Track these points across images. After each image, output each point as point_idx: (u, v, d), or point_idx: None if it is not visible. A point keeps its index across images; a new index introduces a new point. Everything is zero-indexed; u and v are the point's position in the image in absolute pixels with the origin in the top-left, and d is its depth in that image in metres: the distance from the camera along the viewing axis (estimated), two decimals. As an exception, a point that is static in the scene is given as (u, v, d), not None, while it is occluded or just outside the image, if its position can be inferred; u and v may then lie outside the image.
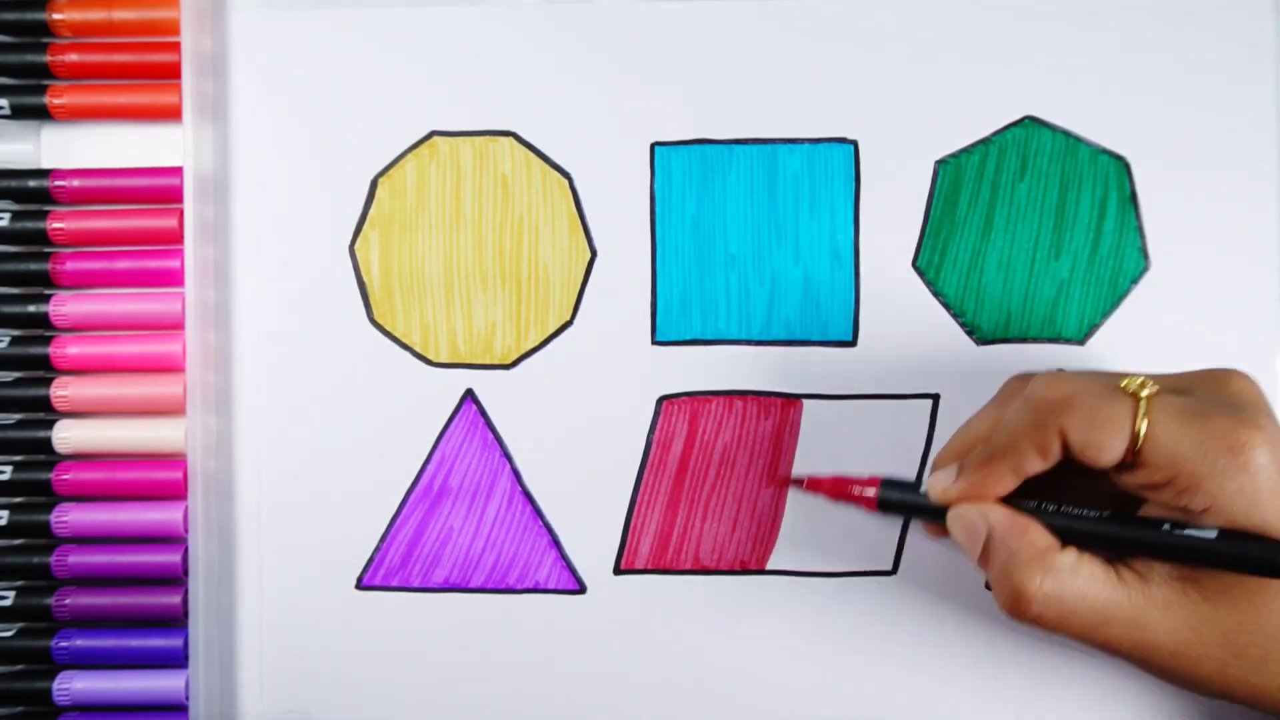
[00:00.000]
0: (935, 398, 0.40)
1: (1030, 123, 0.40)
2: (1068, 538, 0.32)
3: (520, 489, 0.41)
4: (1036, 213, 0.40)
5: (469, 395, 0.41)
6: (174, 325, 0.40)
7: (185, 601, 0.40)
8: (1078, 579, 0.31)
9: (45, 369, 0.41)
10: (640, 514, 0.40)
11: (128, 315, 0.41)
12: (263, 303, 0.41)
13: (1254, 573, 0.30)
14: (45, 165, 0.42)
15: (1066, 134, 0.40)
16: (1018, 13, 0.40)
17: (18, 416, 0.41)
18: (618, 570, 0.41)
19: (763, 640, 0.40)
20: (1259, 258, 0.39)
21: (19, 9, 0.40)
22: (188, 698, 0.40)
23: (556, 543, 0.41)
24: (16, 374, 0.41)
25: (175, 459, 0.40)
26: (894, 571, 0.40)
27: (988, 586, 0.40)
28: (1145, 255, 0.40)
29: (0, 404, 0.40)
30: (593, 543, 0.41)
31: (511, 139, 0.41)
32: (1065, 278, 0.40)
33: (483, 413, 0.41)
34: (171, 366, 0.40)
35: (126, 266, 0.41)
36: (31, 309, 0.40)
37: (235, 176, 0.41)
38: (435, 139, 0.41)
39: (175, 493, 0.40)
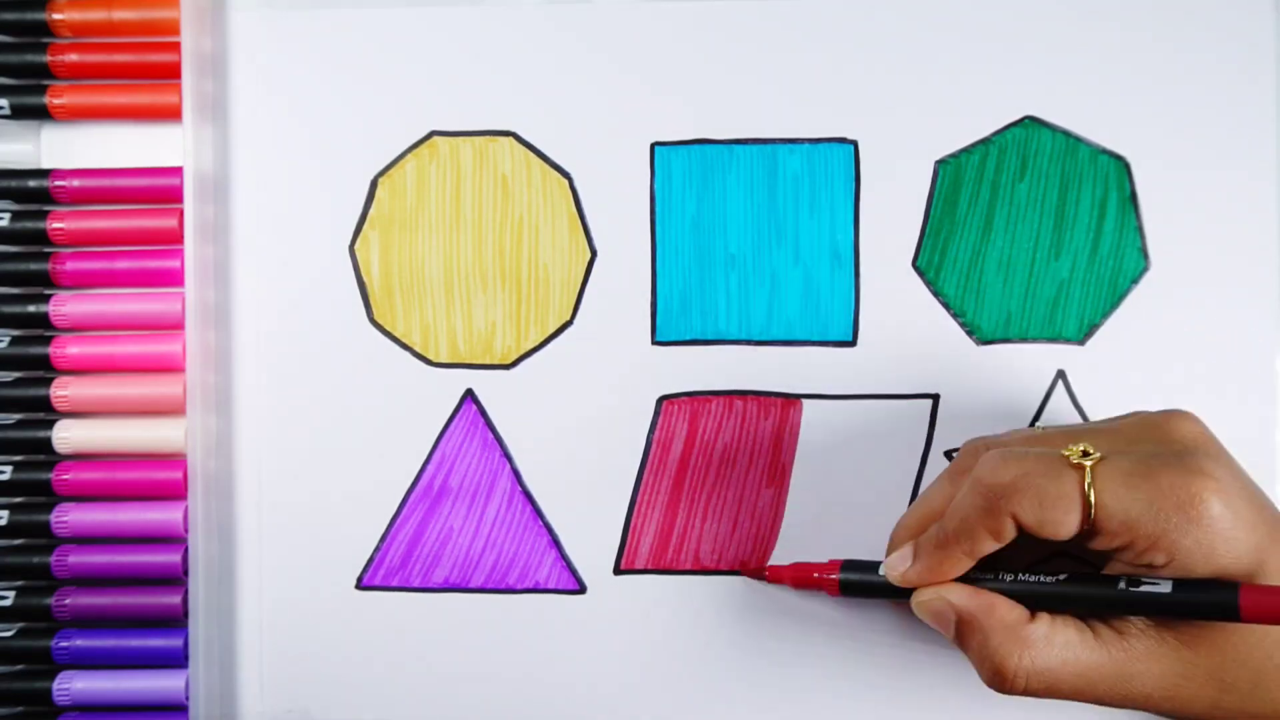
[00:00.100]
0: (935, 398, 0.40)
1: (1030, 123, 0.40)
2: (1035, 603, 0.32)
3: (520, 489, 0.41)
4: (1036, 213, 0.40)
5: (469, 395, 0.41)
6: (174, 325, 0.40)
7: (185, 601, 0.40)
8: (1054, 647, 0.31)
9: (45, 369, 0.41)
10: (640, 514, 0.40)
11: (128, 315, 0.41)
12: (263, 303, 0.41)
13: (1211, 618, 0.30)
14: (45, 165, 0.42)
15: (1066, 134, 0.40)
16: (1018, 13, 0.40)
17: (18, 416, 0.41)
18: (618, 570, 0.41)
19: (762, 640, 0.40)
20: (1259, 258, 0.39)
21: (19, 9, 0.40)
22: (188, 698, 0.40)
23: (556, 543, 0.41)
24: (16, 374, 0.41)
25: (175, 459, 0.40)
26: (894, 571, 0.40)
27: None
28: (1145, 255, 0.40)
29: (0, 404, 0.40)
30: (593, 543, 0.41)
31: (511, 139, 0.41)
32: (1065, 278, 0.40)
33: (483, 413, 0.41)
34: (171, 366, 0.40)
35: (126, 266, 0.41)
36: (31, 309, 0.40)
37: (235, 176, 0.41)
38: (435, 139, 0.41)
39: (175, 493, 0.40)
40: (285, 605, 0.41)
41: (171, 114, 0.40)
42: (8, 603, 0.40)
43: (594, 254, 0.41)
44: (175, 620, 0.40)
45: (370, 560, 0.41)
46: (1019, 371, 0.40)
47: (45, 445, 0.40)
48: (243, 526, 0.41)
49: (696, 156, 0.41)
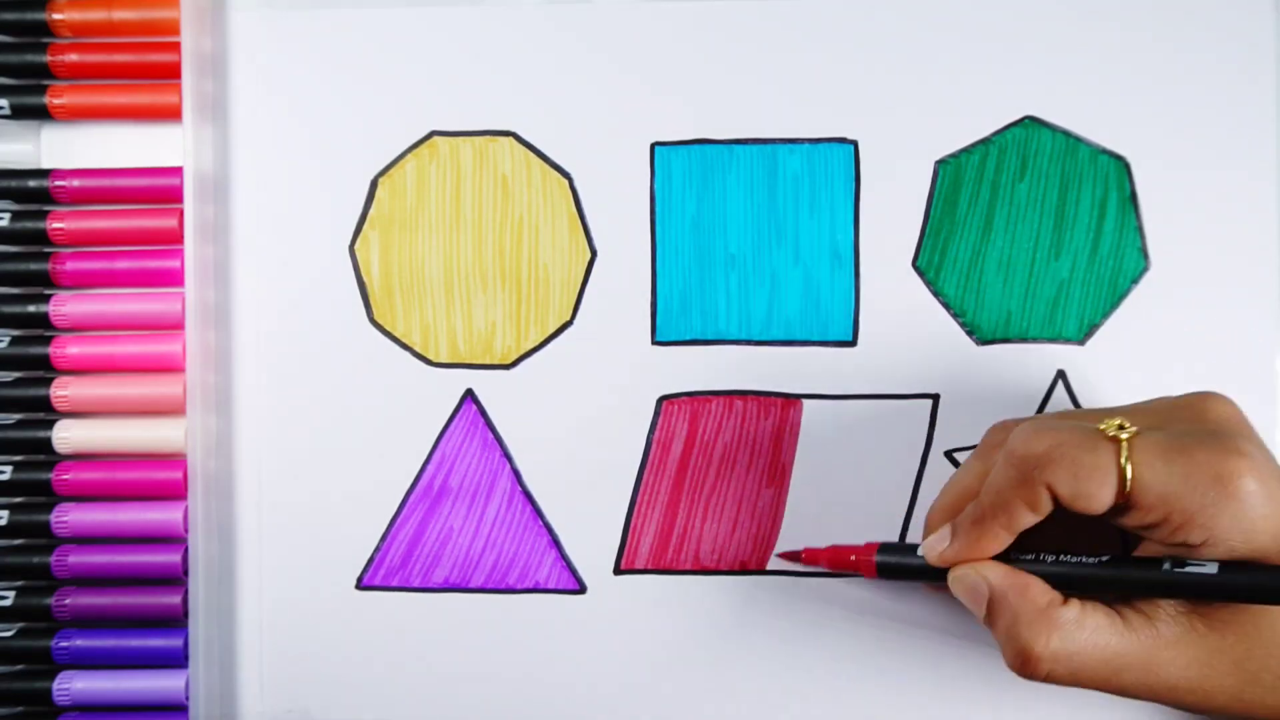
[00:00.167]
0: (935, 398, 0.40)
1: (1030, 123, 0.40)
2: (1070, 587, 0.32)
3: (520, 489, 0.41)
4: (1036, 213, 0.40)
5: (469, 395, 0.41)
6: (174, 325, 0.40)
7: (185, 601, 0.40)
8: (1084, 632, 0.31)
9: (45, 369, 0.41)
10: (640, 514, 0.40)
11: (128, 315, 0.41)
12: (263, 303, 0.41)
13: (1258, 601, 0.30)
14: (45, 165, 0.42)
15: (1066, 134, 0.40)
16: (1018, 13, 0.40)
17: (18, 416, 0.41)
18: (618, 570, 0.41)
19: (763, 640, 0.40)
20: (1259, 258, 0.39)
21: (19, 9, 0.40)
22: (188, 698, 0.40)
23: (556, 543, 0.41)
24: (16, 374, 0.41)
25: (175, 459, 0.40)
26: (894, 571, 0.40)
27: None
28: (1145, 255, 0.40)
29: (0, 404, 0.40)
30: (593, 543, 0.41)
31: (511, 139, 0.41)
32: (1065, 278, 0.40)
33: (483, 413, 0.41)
34: (171, 366, 0.40)
35: (126, 266, 0.41)
36: (31, 309, 0.40)
37: (235, 176, 0.41)
38: (435, 139, 0.41)
39: (175, 493, 0.40)
40: (285, 605, 0.41)
41: (171, 114, 0.40)
42: (8, 603, 0.40)
43: (594, 254, 0.41)
44: (175, 620, 0.40)
45: (370, 560, 0.41)
46: (1019, 371, 0.40)
47: (45, 445, 0.40)
48: (243, 526, 0.41)
49: (696, 156, 0.41)
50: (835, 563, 0.38)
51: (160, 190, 0.41)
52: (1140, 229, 0.40)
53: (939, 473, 0.39)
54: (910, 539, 0.40)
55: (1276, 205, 0.39)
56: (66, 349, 0.40)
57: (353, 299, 0.41)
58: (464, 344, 0.41)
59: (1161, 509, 0.30)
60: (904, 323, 0.40)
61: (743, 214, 0.41)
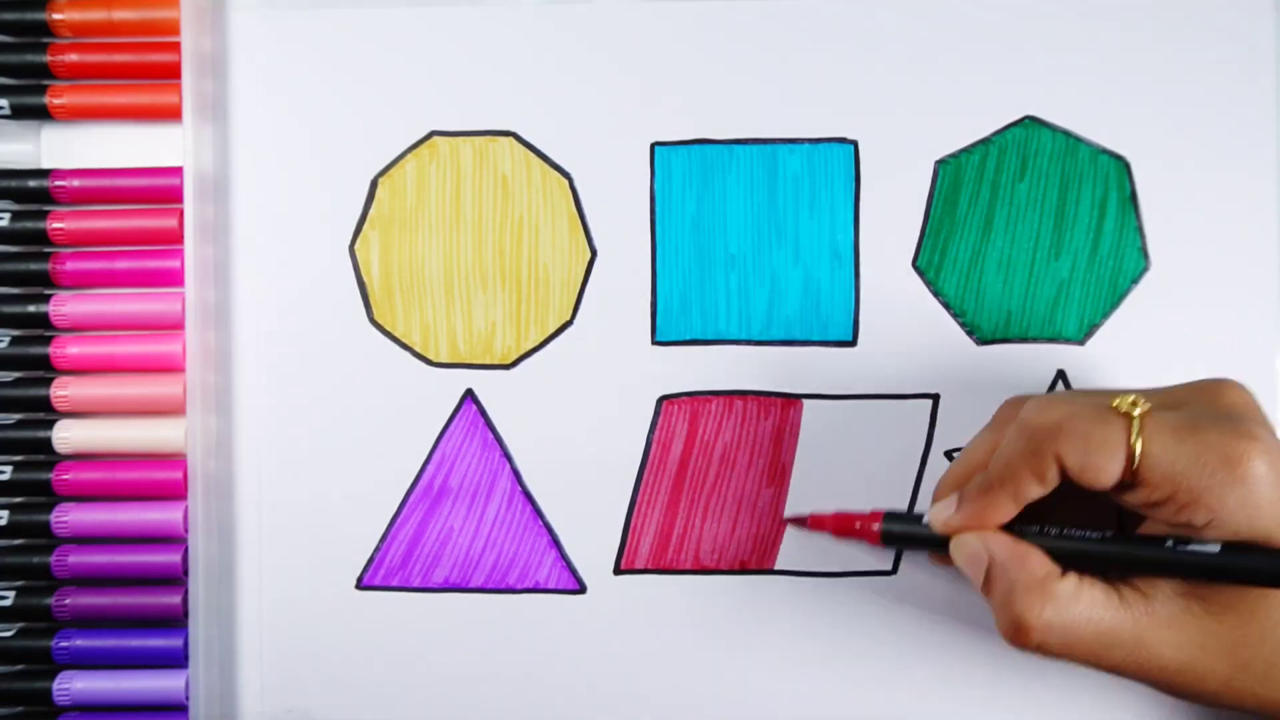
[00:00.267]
0: (935, 398, 0.40)
1: (1030, 123, 0.40)
2: (1071, 561, 0.32)
3: (520, 489, 0.41)
4: (1036, 213, 0.40)
5: (469, 395, 0.41)
6: (174, 325, 0.40)
7: (185, 601, 0.40)
8: (1079, 605, 0.31)
9: (45, 369, 0.41)
10: (640, 514, 0.40)
11: (128, 315, 0.41)
12: (263, 303, 0.41)
13: (1260, 584, 0.30)
14: (45, 165, 0.42)
15: (1066, 134, 0.40)
16: (1018, 13, 0.40)
17: (18, 416, 0.41)
18: (618, 570, 0.41)
19: (763, 640, 0.40)
20: (1259, 258, 0.39)
21: (19, 9, 0.40)
22: (188, 698, 0.40)
23: (556, 543, 0.41)
24: (16, 374, 0.41)
25: (175, 459, 0.40)
26: (894, 571, 0.40)
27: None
28: (1145, 255, 0.40)
29: (0, 404, 0.40)
30: (593, 543, 0.41)
31: (511, 139, 0.41)
32: (1065, 278, 0.40)
33: (483, 413, 0.41)
34: (171, 366, 0.40)
35: (126, 266, 0.41)
36: (31, 309, 0.40)
37: (235, 176, 0.41)
38: (435, 139, 0.41)
39: (175, 493, 0.40)
40: (285, 605, 0.41)
41: (171, 114, 0.40)
42: (8, 603, 0.40)
43: (594, 254, 0.41)
44: (175, 620, 0.40)
45: (370, 560, 0.41)
46: (1019, 371, 0.40)
47: (45, 445, 0.40)
48: (243, 526, 0.41)
49: (696, 156, 0.41)
50: (841, 529, 0.38)
51: (160, 190, 0.41)
52: (1140, 229, 0.40)
53: (939, 473, 0.39)
54: (910, 539, 0.40)
55: (1276, 205, 0.39)
56: (66, 349, 0.40)
57: (353, 299, 0.41)
58: (464, 344, 0.41)
59: (1168, 486, 0.30)
60: (904, 323, 0.40)
61: (743, 214, 0.41)
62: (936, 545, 0.35)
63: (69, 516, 0.40)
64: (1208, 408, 0.32)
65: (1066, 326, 0.40)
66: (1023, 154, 0.40)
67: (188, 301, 0.40)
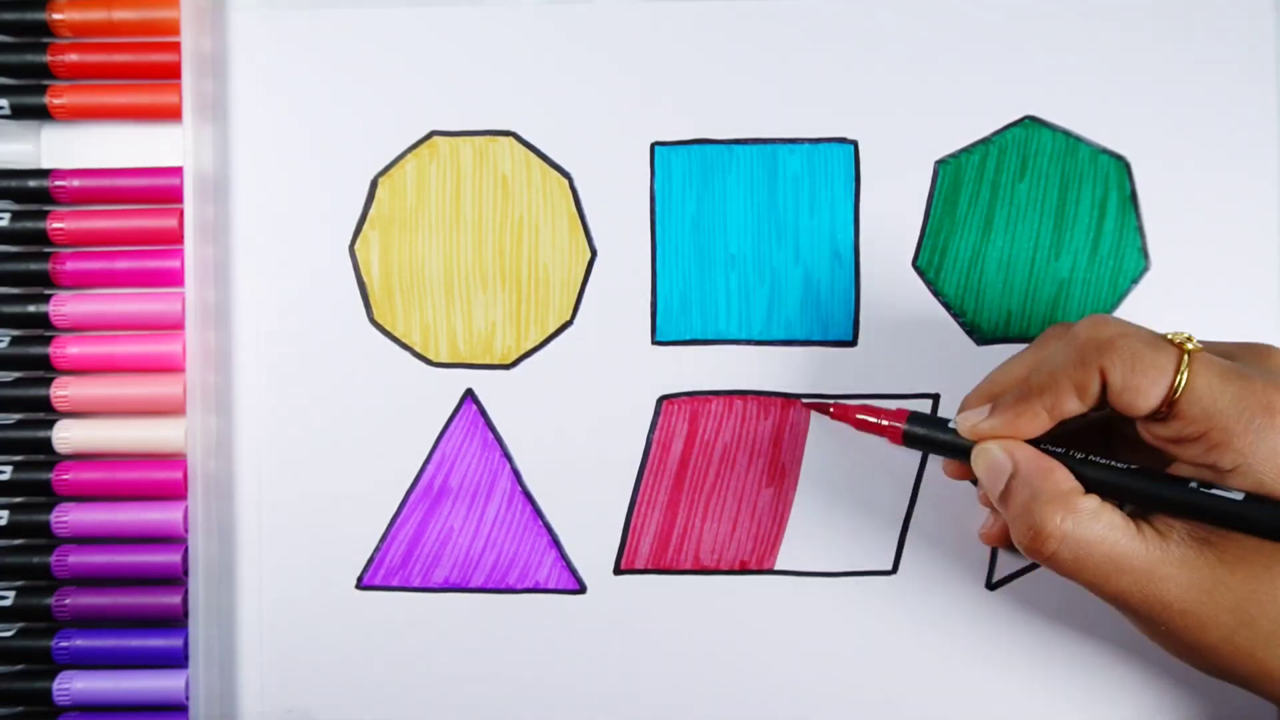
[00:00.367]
0: (935, 398, 0.40)
1: (1030, 123, 0.40)
2: (1092, 488, 0.32)
3: (520, 489, 0.41)
4: (1036, 213, 0.40)
5: (469, 395, 0.41)
6: (174, 325, 0.40)
7: (185, 601, 0.40)
8: (1098, 524, 0.31)
9: (45, 369, 0.41)
10: (640, 514, 0.40)
11: (128, 315, 0.41)
12: (263, 303, 0.41)
13: (1276, 538, 0.30)
14: (45, 165, 0.42)
15: (1066, 134, 0.40)
16: (1018, 13, 0.40)
17: (18, 416, 0.41)
18: (618, 570, 0.41)
19: (762, 640, 0.40)
20: (1259, 258, 0.39)
21: (19, 9, 0.40)
22: (188, 698, 0.40)
23: (556, 543, 0.41)
24: (16, 374, 0.41)
25: (175, 459, 0.40)
26: (894, 571, 0.40)
27: (990, 586, 0.40)
28: (1145, 255, 0.40)
29: (0, 404, 0.40)
30: (593, 543, 0.41)
31: (511, 139, 0.41)
32: (1065, 278, 0.40)
33: (483, 413, 0.41)
34: (171, 366, 0.40)
35: (126, 266, 0.41)
36: (31, 309, 0.40)
37: (235, 176, 0.41)
38: (435, 139, 0.41)
39: (175, 493, 0.40)
40: (285, 605, 0.41)
41: (171, 114, 0.40)
42: (8, 603, 0.40)
43: (594, 254, 0.41)
44: (175, 620, 0.40)
45: (370, 560, 0.41)
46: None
47: (45, 445, 0.40)
48: (243, 526, 0.41)
49: (696, 156, 0.41)
50: (863, 424, 0.37)
51: (160, 190, 0.41)
52: (1140, 229, 0.40)
53: (939, 473, 0.39)
54: (910, 537, 0.40)
55: (1276, 205, 0.39)
56: (66, 349, 0.40)
57: (353, 299, 0.41)
58: (464, 344, 0.41)
59: (1204, 423, 0.30)
60: (904, 323, 0.40)
61: (743, 214, 0.41)
62: (958, 452, 0.35)
63: (69, 516, 0.40)
64: (1257, 363, 0.32)
65: (1066, 326, 0.40)
66: (1023, 154, 0.40)
67: (188, 301, 0.40)
